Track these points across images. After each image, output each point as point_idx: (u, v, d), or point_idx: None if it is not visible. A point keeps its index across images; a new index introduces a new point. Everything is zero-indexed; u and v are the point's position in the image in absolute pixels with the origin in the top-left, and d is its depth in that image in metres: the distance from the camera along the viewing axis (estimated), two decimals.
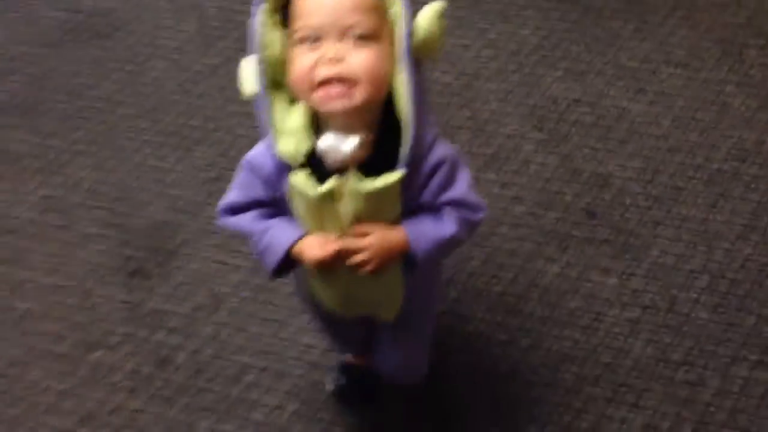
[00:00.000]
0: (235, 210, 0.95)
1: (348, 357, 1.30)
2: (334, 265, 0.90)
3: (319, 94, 0.79)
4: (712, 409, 1.24)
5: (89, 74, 1.88)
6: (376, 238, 0.88)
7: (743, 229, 1.44)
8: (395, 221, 0.90)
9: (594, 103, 1.68)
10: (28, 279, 1.52)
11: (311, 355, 1.36)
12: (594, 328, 1.34)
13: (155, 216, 1.60)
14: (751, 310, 1.34)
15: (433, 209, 0.91)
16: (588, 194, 1.53)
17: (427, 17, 0.82)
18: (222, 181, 1.61)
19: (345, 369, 1.29)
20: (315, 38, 0.79)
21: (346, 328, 1.15)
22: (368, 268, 0.89)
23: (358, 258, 0.89)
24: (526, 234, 1.48)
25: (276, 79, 0.84)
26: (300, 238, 0.91)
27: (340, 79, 0.78)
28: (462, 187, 0.90)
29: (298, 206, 0.90)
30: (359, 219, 0.88)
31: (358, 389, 1.29)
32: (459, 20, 1.86)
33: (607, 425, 1.23)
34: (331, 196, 0.85)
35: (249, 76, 0.85)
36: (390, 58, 0.81)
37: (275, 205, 0.93)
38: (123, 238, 1.56)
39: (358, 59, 0.78)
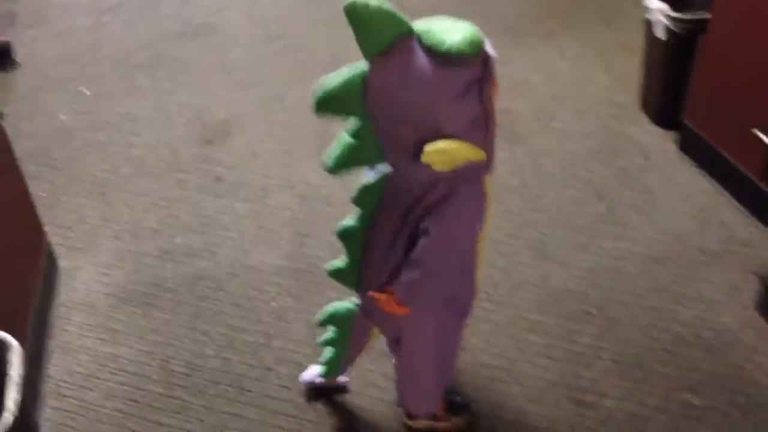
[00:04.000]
0: None
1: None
2: None
3: None
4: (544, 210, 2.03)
5: (194, 53, 2.92)
6: None
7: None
8: None
9: (507, 76, 2.60)
10: (138, 140, 2.45)
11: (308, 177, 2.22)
12: None
13: (223, 116, 2.53)
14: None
15: None
16: None
17: None
18: (268, 98, 2.57)
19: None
20: None
21: None
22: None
23: None
24: None
25: None
26: None
27: None
28: None
29: None
30: None
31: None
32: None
33: None
34: None
35: None
36: None
37: None
38: (201, 124, 2.50)
39: None
